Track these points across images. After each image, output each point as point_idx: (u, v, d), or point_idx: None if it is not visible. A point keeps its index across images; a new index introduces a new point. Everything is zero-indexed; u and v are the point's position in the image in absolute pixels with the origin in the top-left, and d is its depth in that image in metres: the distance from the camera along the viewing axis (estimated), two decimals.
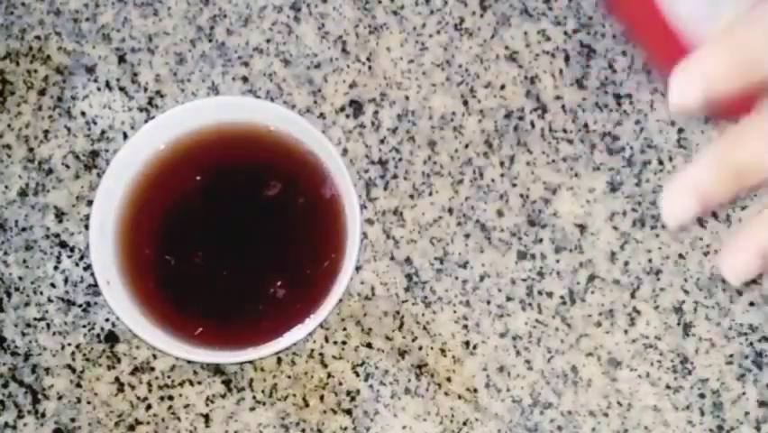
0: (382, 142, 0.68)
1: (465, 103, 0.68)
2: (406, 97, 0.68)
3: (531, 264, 0.66)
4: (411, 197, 0.67)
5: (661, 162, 0.67)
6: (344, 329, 0.65)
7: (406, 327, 0.65)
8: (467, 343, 0.65)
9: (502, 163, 0.67)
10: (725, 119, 0.44)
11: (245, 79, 0.69)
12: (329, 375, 0.65)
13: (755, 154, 0.42)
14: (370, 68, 0.69)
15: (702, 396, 0.64)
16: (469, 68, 0.69)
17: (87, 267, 0.66)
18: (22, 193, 0.68)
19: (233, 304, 0.65)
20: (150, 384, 0.65)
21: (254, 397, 0.65)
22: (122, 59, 0.70)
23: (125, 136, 0.69)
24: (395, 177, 0.67)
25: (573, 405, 0.64)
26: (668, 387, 0.64)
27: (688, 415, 0.64)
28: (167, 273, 0.65)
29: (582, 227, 0.66)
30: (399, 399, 0.64)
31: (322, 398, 0.65)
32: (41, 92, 0.70)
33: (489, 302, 0.65)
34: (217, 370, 0.65)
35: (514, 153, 0.67)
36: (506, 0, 0.70)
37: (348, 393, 0.65)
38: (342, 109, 0.68)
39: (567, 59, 0.69)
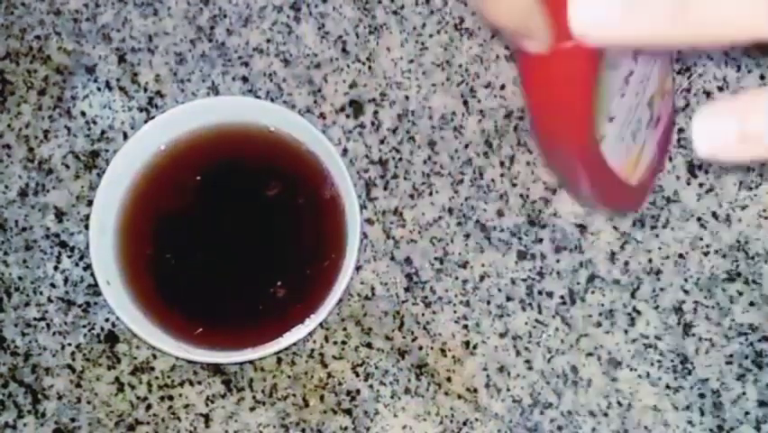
0: (382, 142, 0.68)
1: (465, 103, 0.68)
2: (406, 97, 0.68)
3: (531, 264, 0.66)
4: (411, 197, 0.67)
5: None
6: (344, 329, 0.65)
7: (406, 327, 0.65)
8: (467, 343, 0.65)
9: (502, 163, 0.67)
10: None
11: (245, 79, 0.69)
12: (329, 375, 0.65)
13: None
14: (370, 68, 0.69)
15: (702, 396, 0.64)
16: (469, 68, 0.69)
17: (87, 267, 0.66)
18: (23, 193, 0.68)
19: (233, 304, 0.65)
20: (150, 384, 0.65)
21: (254, 397, 0.65)
22: (122, 59, 0.70)
23: (125, 136, 0.69)
24: (395, 177, 0.67)
25: (573, 405, 0.64)
26: (668, 387, 0.64)
27: (688, 415, 0.64)
28: (167, 273, 0.65)
29: (582, 227, 0.66)
30: (399, 399, 0.64)
31: (322, 398, 0.65)
32: (42, 92, 0.70)
33: (488, 302, 0.65)
34: (217, 370, 0.65)
35: (514, 153, 0.67)
36: None
37: (348, 393, 0.65)
38: (342, 109, 0.68)
39: None
